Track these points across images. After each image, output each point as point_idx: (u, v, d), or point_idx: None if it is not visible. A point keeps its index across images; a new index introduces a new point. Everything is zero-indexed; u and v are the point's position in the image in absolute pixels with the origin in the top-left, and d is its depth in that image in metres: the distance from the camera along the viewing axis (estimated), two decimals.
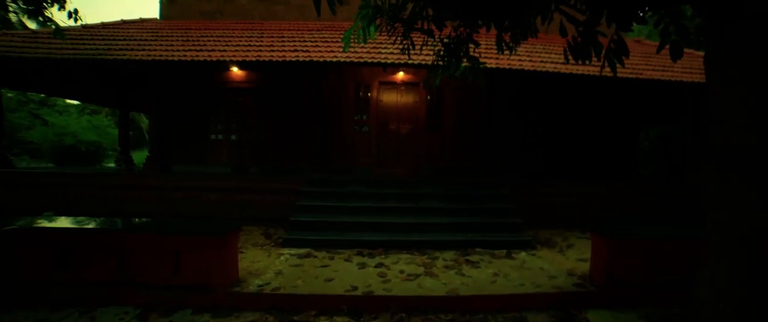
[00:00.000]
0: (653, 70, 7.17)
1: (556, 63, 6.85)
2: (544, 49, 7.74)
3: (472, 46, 3.43)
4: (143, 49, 6.61)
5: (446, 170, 9.13)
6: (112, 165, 13.27)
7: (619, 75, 6.68)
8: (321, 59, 6.24)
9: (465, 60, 3.69)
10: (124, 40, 7.06)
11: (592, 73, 6.56)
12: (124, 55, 6.52)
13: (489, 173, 7.29)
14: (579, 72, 6.56)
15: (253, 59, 6.30)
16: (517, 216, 6.16)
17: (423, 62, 6.34)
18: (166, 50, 6.59)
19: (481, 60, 3.65)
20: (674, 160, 13.35)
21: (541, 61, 6.80)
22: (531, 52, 7.38)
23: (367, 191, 6.44)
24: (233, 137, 9.56)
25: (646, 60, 7.74)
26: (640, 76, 6.73)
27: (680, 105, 9.80)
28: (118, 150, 10.49)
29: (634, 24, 2.67)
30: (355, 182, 6.72)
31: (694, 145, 12.31)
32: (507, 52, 3.40)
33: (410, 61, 6.31)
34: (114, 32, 7.46)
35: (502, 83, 7.78)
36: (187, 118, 9.26)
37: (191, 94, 9.23)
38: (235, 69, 9.11)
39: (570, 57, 2.71)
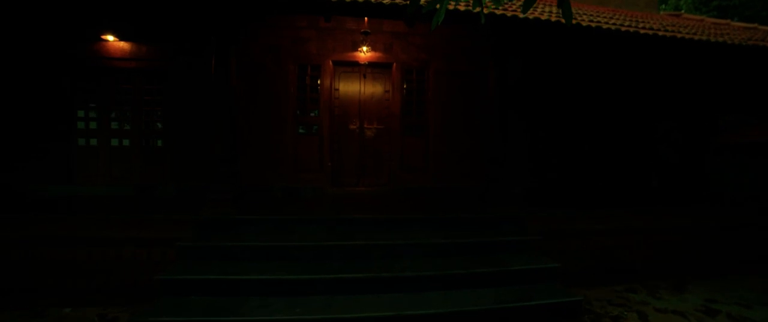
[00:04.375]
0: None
1: (612, 24, 4.28)
2: (576, 11, 5.18)
3: None
4: None
5: (432, 189, 6.42)
6: None
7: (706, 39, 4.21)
8: None
9: None
10: None
11: (665, 34, 4.04)
12: None
13: (495, 196, 4.67)
14: (660, 33, 4.02)
15: None
16: (567, 285, 3.54)
17: None
18: None
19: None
20: (671, 163, 11.17)
21: (589, 21, 4.20)
22: (558, 13, 4.78)
23: (305, 245, 3.59)
24: (115, 142, 6.38)
25: (717, 30, 5.37)
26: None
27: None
28: None
29: None
30: (281, 227, 3.86)
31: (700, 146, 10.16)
32: None
33: None
34: None
35: (515, 58, 5.14)
36: (37, 111, 5.96)
37: (42, 75, 5.94)
38: (110, 38, 5.95)
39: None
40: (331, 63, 6.40)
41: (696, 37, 4.20)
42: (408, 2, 4.01)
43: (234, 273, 3.24)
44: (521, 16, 3.62)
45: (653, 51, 5.00)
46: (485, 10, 1.51)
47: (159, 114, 6.35)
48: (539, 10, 4.48)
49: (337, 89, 6.54)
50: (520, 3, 4.59)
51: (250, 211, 4.26)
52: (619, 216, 5.01)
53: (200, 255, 3.54)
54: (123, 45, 6.06)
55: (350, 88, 6.58)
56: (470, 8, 3.53)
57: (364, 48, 6.12)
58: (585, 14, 4.81)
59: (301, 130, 6.57)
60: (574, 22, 3.81)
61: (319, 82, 6.44)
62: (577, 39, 4.89)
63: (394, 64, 6.46)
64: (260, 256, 3.52)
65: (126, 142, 6.37)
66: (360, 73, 6.57)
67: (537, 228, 4.28)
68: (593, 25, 3.87)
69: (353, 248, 3.60)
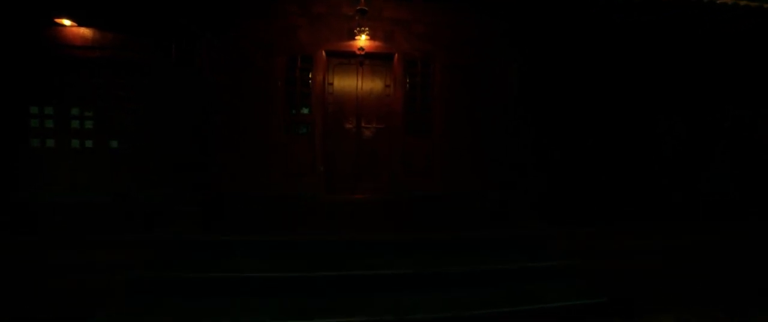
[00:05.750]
0: None
1: None
2: None
3: None
4: None
5: (437, 196, 5.69)
6: None
7: None
8: None
9: None
10: None
11: None
12: None
13: (509, 204, 3.98)
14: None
15: None
16: (607, 317, 2.83)
17: None
18: None
19: None
20: (668, 158, 10.15)
21: None
22: None
23: (288, 276, 2.84)
24: (76, 143, 5.57)
25: None
26: None
27: None
28: None
29: None
30: (258, 251, 3.11)
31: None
32: None
33: None
34: None
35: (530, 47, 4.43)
36: None
37: None
38: (66, 22, 5.15)
39: None
40: (324, 54, 5.64)
41: None
42: None
43: (190, 319, 2.48)
44: None
45: (686, 33, 4.33)
46: None
47: (129, 111, 5.55)
48: None
49: (331, 84, 5.79)
50: None
51: (222, 229, 3.50)
52: (648, 229, 4.33)
53: (153, 290, 2.78)
54: (83, 31, 5.25)
55: (346, 82, 5.83)
56: None
57: (363, 35, 5.36)
58: None
59: (291, 131, 5.80)
60: None
61: (310, 75, 5.68)
62: (600, 22, 4.24)
63: (396, 55, 5.72)
64: (228, 290, 2.77)
65: (88, 143, 5.57)
66: (357, 65, 5.82)
67: (563, 247, 3.57)
68: None
69: (350, 280, 2.86)
